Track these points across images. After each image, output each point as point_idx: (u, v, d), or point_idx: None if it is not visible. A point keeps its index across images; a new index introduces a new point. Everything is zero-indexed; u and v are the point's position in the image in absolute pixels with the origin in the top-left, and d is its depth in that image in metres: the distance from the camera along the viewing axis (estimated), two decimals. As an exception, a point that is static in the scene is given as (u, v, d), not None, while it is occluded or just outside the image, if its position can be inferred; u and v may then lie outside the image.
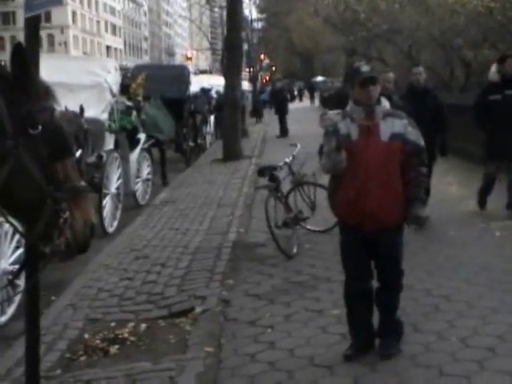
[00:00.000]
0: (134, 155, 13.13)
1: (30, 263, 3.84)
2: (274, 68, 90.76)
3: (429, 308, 6.30)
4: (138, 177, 13.32)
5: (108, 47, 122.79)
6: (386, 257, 5.28)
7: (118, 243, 9.90)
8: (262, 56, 76.39)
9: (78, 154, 9.74)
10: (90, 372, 5.47)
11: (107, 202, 11.06)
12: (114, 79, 12.40)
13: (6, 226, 6.70)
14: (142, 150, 13.73)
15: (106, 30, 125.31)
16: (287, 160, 9.56)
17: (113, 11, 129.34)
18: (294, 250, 8.66)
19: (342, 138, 5.08)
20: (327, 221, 9.05)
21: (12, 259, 7.06)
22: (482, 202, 10.12)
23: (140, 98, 14.90)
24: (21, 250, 6.91)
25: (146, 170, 13.97)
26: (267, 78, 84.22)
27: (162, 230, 10.50)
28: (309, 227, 9.64)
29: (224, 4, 32.33)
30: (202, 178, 16.37)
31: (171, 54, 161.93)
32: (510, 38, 24.00)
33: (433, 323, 5.91)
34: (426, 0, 29.50)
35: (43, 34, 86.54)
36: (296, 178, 9.63)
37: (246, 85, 41.23)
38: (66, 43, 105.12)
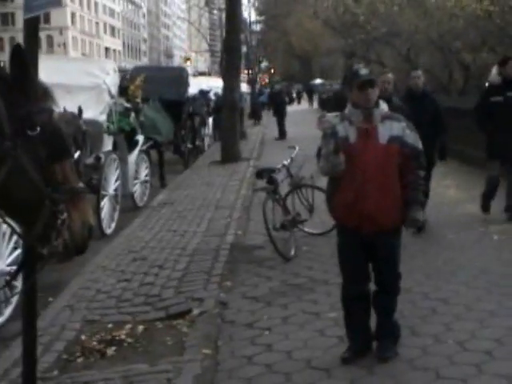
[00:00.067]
0: (133, 157, 13.13)
1: (27, 264, 3.84)
2: (272, 70, 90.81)
3: (426, 311, 6.30)
4: (136, 178, 13.31)
5: (107, 49, 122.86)
6: (384, 259, 5.28)
7: (116, 245, 9.90)
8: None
9: (76, 155, 9.73)
10: (86, 373, 5.46)
11: (105, 204, 11.06)
12: (112, 81, 12.40)
13: (4, 226, 6.69)
14: (141, 151, 13.72)
15: (105, 32, 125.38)
16: (285, 162, 9.56)
17: (112, 13, 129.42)
18: (292, 253, 8.66)
19: (340, 141, 5.08)
20: (325, 223, 9.04)
21: (10, 260, 7.05)
22: (485, 207, 10.06)
23: (139, 100, 14.91)
24: (18, 251, 6.89)
25: (144, 172, 13.96)
26: (266, 80, 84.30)
27: (159, 232, 10.49)
28: (307, 230, 9.64)
29: (223, 6, 32.37)
30: (200, 179, 16.37)
31: (170, 55, 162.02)
32: (508, 42, 24.04)
33: (430, 326, 5.91)
34: (425, 3, 29.56)
35: (42, 35, 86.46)
36: (294, 180, 9.63)
37: (244, 87, 41.24)
38: (65, 44, 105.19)
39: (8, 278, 6.71)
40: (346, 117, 5.25)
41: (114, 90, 12.40)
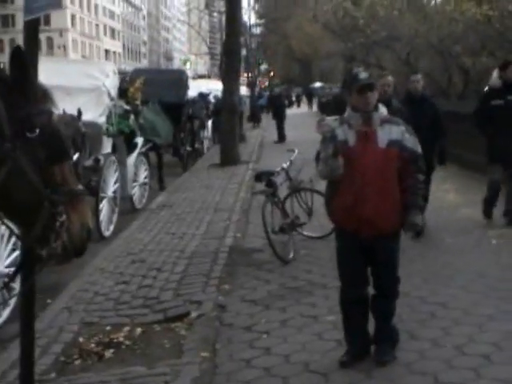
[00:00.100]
0: (132, 159, 13.13)
1: (26, 266, 3.83)
2: (272, 73, 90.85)
3: (424, 315, 6.29)
4: (135, 181, 13.31)
5: (107, 51, 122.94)
6: (383, 263, 5.28)
7: (115, 247, 9.89)
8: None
9: (75, 157, 9.74)
10: (84, 376, 5.46)
11: (104, 206, 11.06)
12: (112, 83, 12.41)
13: (3, 228, 6.69)
14: (140, 154, 13.72)
15: (105, 34, 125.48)
16: (284, 165, 9.56)
17: (112, 15, 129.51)
18: (291, 256, 8.66)
19: (340, 144, 5.08)
20: (324, 227, 9.05)
21: (8, 262, 7.05)
22: (487, 213, 10.00)
23: (138, 102, 14.92)
24: (17, 253, 6.89)
25: (143, 174, 13.96)
26: (266, 83, 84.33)
27: (158, 235, 10.49)
28: (305, 233, 9.64)
29: (223, 9, 32.38)
30: (199, 182, 16.37)
31: (170, 58, 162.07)
32: (508, 46, 24.04)
33: (428, 330, 5.91)
34: (425, 7, 29.63)
35: (42, 36, 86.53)
36: (293, 183, 9.63)
37: (244, 90, 41.27)
38: (65, 46, 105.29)
39: (6, 279, 6.71)
40: (345, 120, 5.25)
41: (114, 92, 12.40)
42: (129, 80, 17.07)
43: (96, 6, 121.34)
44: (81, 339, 6.20)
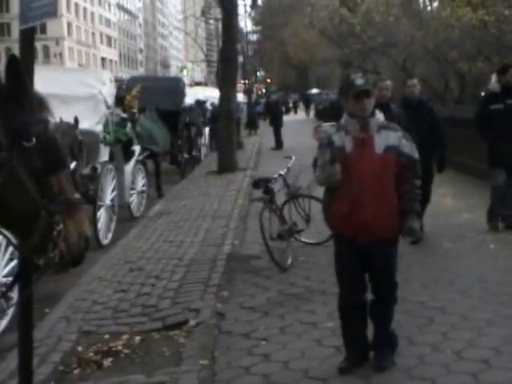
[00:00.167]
0: (129, 167, 13.12)
1: (23, 275, 3.83)
2: (269, 80, 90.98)
3: (423, 320, 6.29)
4: (132, 189, 13.31)
5: (103, 59, 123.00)
6: (381, 269, 5.28)
7: (113, 255, 9.88)
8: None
9: (72, 165, 9.74)
10: (83, 385, 5.45)
11: (102, 214, 11.04)
12: (108, 91, 12.41)
13: (0, 237, 6.68)
14: (137, 161, 13.72)
15: (102, 42, 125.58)
16: (282, 172, 9.56)
17: (108, 23, 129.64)
18: (289, 263, 8.65)
19: (337, 151, 5.09)
20: (322, 233, 9.05)
21: (5, 271, 7.03)
22: (493, 225, 9.75)
23: (135, 110, 14.92)
24: (14, 262, 6.88)
25: (140, 182, 13.95)
26: (263, 90, 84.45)
27: (156, 242, 10.48)
28: (303, 240, 9.64)
29: (219, 16, 32.41)
30: (197, 190, 16.37)
31: (166, 65, 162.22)
32: (504, 51, 24.12)
33: (427, 335, 5.90)
34: (421, 13, 29.72)
35: (38, 45, 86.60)
36: (291, 190, 9.63)
37: (241, 97, 41.31)
38: (61, 55, 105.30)
39: (4, 289, 6.70)
40: (342, 126, 5.25)
41: (111, 101, 12.41)
42: (125, 88, 17.07)
43: (92, 15, 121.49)
44: (79, 348, 6.18)
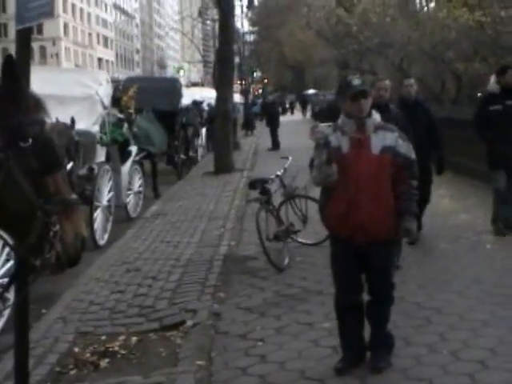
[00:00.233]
0: (126, 168, 13.11)
1: (19, 276, 3.82)
2: (265, 80, 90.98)
3: (420, 321, 6.29)
4: (129, 189, 13.29)
5: (100, 59, 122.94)
6: (377, 270, 5.27)
7: (109, 256, 9.87)
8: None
9: (69, 166, 9.73)
10: (79, 386, 5.45)
11: (98, 215, 11.04)
12: (105, 91, 12.40)
13: (-4, 238, 6.67)
14: (134, 162, 13.70)
15: (98, 43, 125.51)
16: (279, 173, 9.56)
17: (105, 23, 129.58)
18: (285, 263, 8.65)
19: (333, 151, 5.09)
20: (318, 234, 9.04)
21: (2, 272, 7.03)
22: (497, 229, 9.62)
23: (131, 111, 14.89)
24: (11, 263, 6.87)
25: (137, 183, 13.94)
26: (260, 90, 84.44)
27: (153, 243, 10.47)
28: (300, 240, 9.63)
29: (216, 17, 32.43)
30: (194, 190, 16.36)
31: (163, 66, 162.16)
32: (500, 52, 24.13)
33: (424, 336, 5.90)
34: (417, 14, 29.74)
35: (35, 45, 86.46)
36: (287, 190, 9.63)
37: (237, 97, 41.29)
38: (57, 55, 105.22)
39: (0, 290, 6.69)
40: (339, 127, 5.26)
41: (107, 101, 12.40)
42: (122, 88, 17.05)
43: (89, 15, 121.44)
44: (76, 349, 6.18)
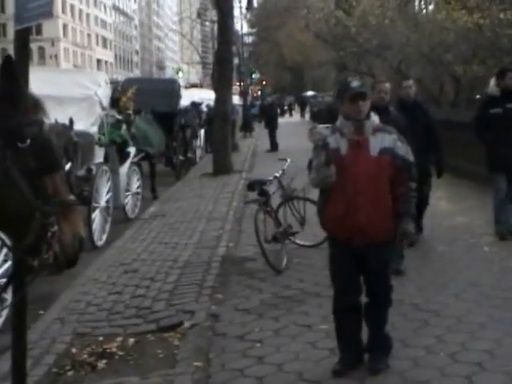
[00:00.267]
0: (124, 169, 13.11)
1: (17, 277, 3.82)
2: (264, 82, 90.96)
3: (418, 323, 6.29)
4: (127, 190, 13.29)
5: (99, 60, 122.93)
6: (375, 272, 5.27)
7: (107, 257, 9.87)
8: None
9: (67, 166, 9.73)
10: (77, 387, 5.44)
11: (96, 216, 11.03)
12: (104, 92, 12.40)
13: (-6, 239, 6.67)
14: (132, 163, 13.70)
15: (97, 43, 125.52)
16: (277, 174, 9.55)
17: (104, 24, 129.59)
18: (283, 265, 8.64)
19: (332, 153, 5.09)
20: (317, 236, 9.03)
21: (-1, 272, 7.03)
22: (500, 233, 9.50)
23: (130, 112, 14.91)
24: (8, 264, 6.87)
25: (135, 184, 13.94)
26: (258, 92, 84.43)
27: (151, 244, 10.47)
28: (298, 242, 9.63)
29: (215, 18, 32.45)
30: (192, 191, 16.36)
31: (162, 67, 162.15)
32: (499, 55, 24.15)
33: (422, 338, 5.90)
34: (416, 16, 29.76)
35: (34, 46, 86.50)
36: (286, 192, 9.62)
37: (236, 99, 41.28)
38: (56, 56, 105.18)
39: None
40: (338, 128, 5.26)
41: (106, 102, 12.40)
42: (121, 89, 17.07)
43: (88, 16, 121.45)
44: (73, 350, 6.17)
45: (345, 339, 5.39)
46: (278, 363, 5.63)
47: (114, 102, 14.08)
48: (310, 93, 74.43)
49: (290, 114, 68.98)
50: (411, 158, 5.28)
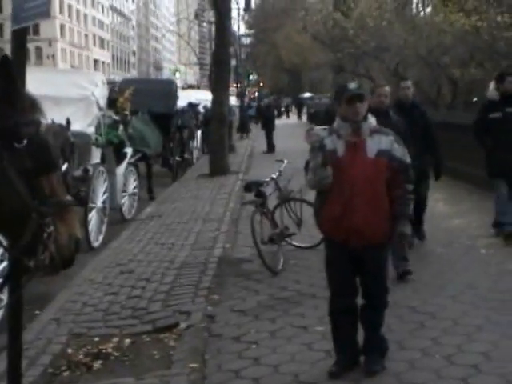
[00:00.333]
0: (121, 169, 13.10)
1: (13, 277, 3.81)
2: (261, 83, 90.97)
3: (414, 325, 6.29)
4: (124, 191, 13.28)
5: (96, 61, 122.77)
6: (372, 273, 5.27)
7: (104, 257, 9.86)
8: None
9: (64, 167, 9.71)
10: (72, 387, 5.43)
11: (93, 216, 11.02)
12: (101, 93, 12.39)
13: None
14: (129, 164, 13.70)
15: (94, 44, 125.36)
16: (274, 176, 9.55)
17: (101, 25, 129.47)
18: (280, 266, 8.64)
19: (328, 154, 5.09)
20: (313, 237, 9.03)
21: (-5, 273, 7.01)
22: (505, 236, 9.43)
23: (127, 112, 14.89)
24: (4, 264, 6.85)
25: (132, 185, 13.93)
26: (256, 93, 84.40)
27: (147, 245, 10.46)
28: (295, 243, 9.63)
29: (213, 19, 32.42)
30: (189, 192, 16.35)
31: (159, 68, 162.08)
32: (496, 57, 24.19)
33: (418, 340, 5.90)
34: (414, 18, 29.78)
35: (31, 46, 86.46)
36: (282, 193, 9.62)
37: (233, 100, 41.26)
38: (53, 56, 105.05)
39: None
40: (335, 130, 5.26)
41: (103, 103, 12.38)
42: (118, 90, 17.03)
43: (85, 16, 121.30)
44: (69, 350, 6.16)
45: (341, 341, 5.39)
46: (273, 365, 5.63)
47: (111, 102, 14.06)
48: (307, 94, 74.47)
49: (287, 116, 68.96)
50: (408, 159, 5.28)
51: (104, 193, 11.69)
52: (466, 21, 23.94)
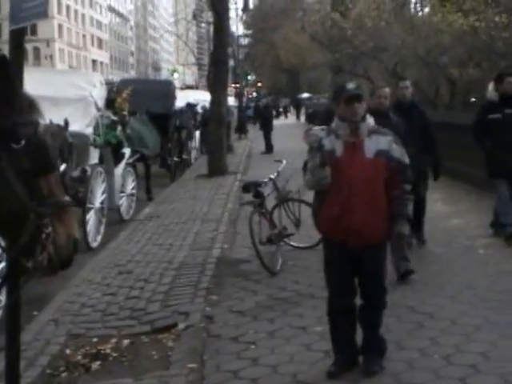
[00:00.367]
0: (119, 170, 13.09)
1: (11, 278, 3.80)
2: (260, 84, 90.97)
3: (412, 325, 6.29)
4: (122, 191, 13.27)
5: (94, 61, 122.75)
6: (370, 273, 5.27)
7: (102, 258, 9.85)
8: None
9: (62, 167, 9.70)
10: (71, 388, 5.42)
11: (91, 217, 11.01)
12: (99, 93, 12.38)
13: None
14: (127, 164, 13.68)
15: (93, 44, 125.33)
16: (272, 176, 9.55)
17: (99, 25, 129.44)
18: (278, 267, 8.64)
19: (327, 154, 5.09)
20: (312, 237, 9.03)
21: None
22: (506, 236, 9.42)
23: (125, 113, 14.89)
24: (2, 265, 6.85)
25: (130, 185, 13.92)
26: (254, 94, 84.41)
27: (145, 246, 10.45)
28: (293, 244, 9.63)
29: (211, 20, 32.42)
30: (187, 193, 16.34)
31: (157, 68, 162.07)
32: (495, 58, 24.22)
33: (416, 340, 5.90)
34: (412, 18, 29.81)
35: (29, 46, 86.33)
36: (281, 194, 9.62)
37: (231, 100, 41.26)
38: (51, 56, 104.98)
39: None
40: (333, 130, 5.26)
41: (101, 103, 12.38)
42: (116, 90, 17.04)
43: (83, 16, 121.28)
44: (67, 351, 6.16)
45: (339, 341, 5.39)
46: (272, 365, 5.63)
47: (109, 102, 14.05)
48: (305, 95, 74.48)
49: (286, 116, 68.97)
50: (406, 160, 5.28)
51: (102, 193, 11.68)
52: (464, 21, 23.97)
